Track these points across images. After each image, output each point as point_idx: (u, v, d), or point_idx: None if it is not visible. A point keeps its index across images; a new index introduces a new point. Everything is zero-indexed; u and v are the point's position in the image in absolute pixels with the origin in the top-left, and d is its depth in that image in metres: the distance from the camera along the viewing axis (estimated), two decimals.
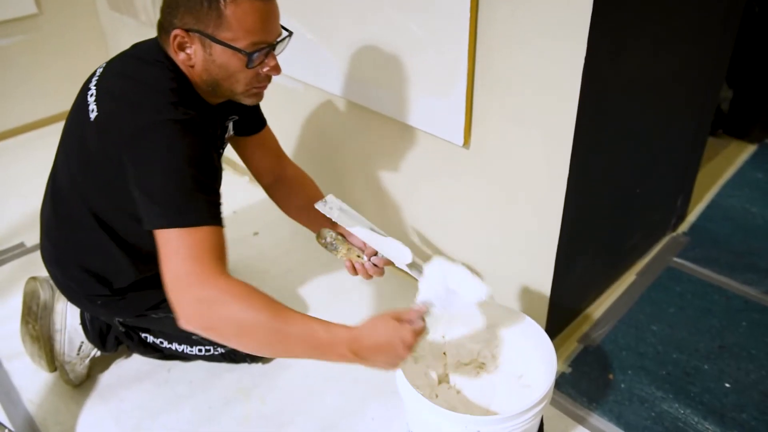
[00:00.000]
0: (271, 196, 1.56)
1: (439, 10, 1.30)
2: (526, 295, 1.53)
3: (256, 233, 2.09)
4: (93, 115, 1.15)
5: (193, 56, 1.12)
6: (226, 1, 1.04)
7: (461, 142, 1.43)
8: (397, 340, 1.01)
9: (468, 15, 1.25)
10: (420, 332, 1.04)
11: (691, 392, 1.45)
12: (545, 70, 1.21)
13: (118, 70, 1.19)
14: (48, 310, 1.44)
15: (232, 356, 1.53)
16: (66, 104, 1.35)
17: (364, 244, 1.31)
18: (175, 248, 1.00)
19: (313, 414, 1.44)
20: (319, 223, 1.38)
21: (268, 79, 1.19)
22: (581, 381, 1.50)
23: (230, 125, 1.40)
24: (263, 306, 0.98)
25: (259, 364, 1.56)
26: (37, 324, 1.44)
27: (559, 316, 1.58)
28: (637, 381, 1.49)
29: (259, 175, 1.54)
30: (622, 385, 1.48)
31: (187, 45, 1.11)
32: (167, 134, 1.03)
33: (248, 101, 1.21)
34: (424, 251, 1.79)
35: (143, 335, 1.51)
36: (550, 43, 1.18)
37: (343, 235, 1.37)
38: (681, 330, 1.63)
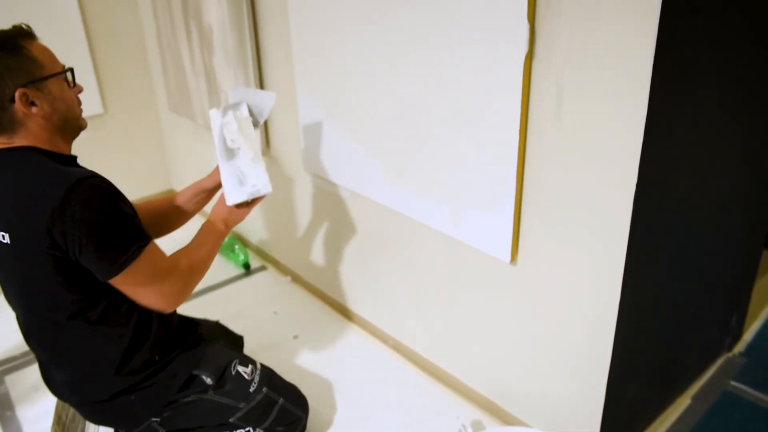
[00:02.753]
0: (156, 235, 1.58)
1: (489, 125, 1.34)
2: (575, 421, 1.46)
3: (295, 336, 2.07)
4: (6, 239, 1.22)
5: (40, 104, 1.23)
6: (25, 47, 1.22)
7: (508, 258, 1.42)
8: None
9: (517, 131, 1.28)
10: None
11: None
12: (596, 189, 1.22)
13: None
14: (76, 422, 1.43)
15: None
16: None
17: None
18: (137, 284, 1.26)
19: None
20: (194, 204, 1.65)
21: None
22: None
23: None
24: (185, 258, 1.37)
25: None
26: None
27: None
28: None
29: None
30: None
31: (32, 98, 1.22)
32: (81, 192, 1.17)
33: (84, 123, 1.36)
34: (465, 365, 1.74)
35: None
36: (602, 162, 1.19)
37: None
38: None
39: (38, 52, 1.24)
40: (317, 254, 2.22)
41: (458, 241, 1.55)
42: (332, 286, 2.20)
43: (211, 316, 1.80)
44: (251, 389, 1.47)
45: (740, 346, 1.95)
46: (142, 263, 1.24)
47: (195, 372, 1.42)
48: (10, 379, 1.89)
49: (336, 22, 1.65)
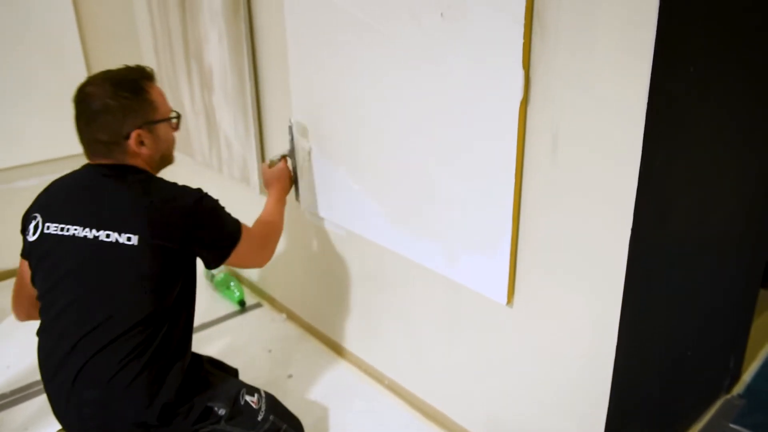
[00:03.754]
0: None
1: (485, 168, 1.35)
2: None
3: (290, 376, 2.05)
4: (132, 241, 1.30)
5: (148, 144, 1.38)
6: (147, 90, 1.35)
7: (504, 300, 1.42)
8: (278, 179, 1.84)
9: (513, 174, 1.29)
10: (286, 172, 1.87)
11: None
12: (592, 230, 1.22)
13: (126, 203, 1.34)
14: None
15: None
16: None
17: None
18: (241, 256, 1.48)
19: None
20: None
21: None
22: None
23: None
24: (263, 228, 1.65)
25: None
26: None
27: None
28: None
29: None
30: None
31: (143, 138, 1.36)
32: (205, 204, 1.39)
33: (174, 160, 1.53)
34: (462, 406, 1.72)
35: None
36: (597, 204, 1.19)
37: None
38: None
39: (156, 95, 1.37)
40: (313, 292, 2.21)
41: (455, 282, 1.55)
42: (328, 324, 2.19)
43: (206, 353, 1.78)
44: (259, 418, 1.49)
45: (739, 388, 1.93)
46: (243, 242, 1.46)
47: (209, 404, 1.43)
48: None
49: (334, 64, 1.68)
